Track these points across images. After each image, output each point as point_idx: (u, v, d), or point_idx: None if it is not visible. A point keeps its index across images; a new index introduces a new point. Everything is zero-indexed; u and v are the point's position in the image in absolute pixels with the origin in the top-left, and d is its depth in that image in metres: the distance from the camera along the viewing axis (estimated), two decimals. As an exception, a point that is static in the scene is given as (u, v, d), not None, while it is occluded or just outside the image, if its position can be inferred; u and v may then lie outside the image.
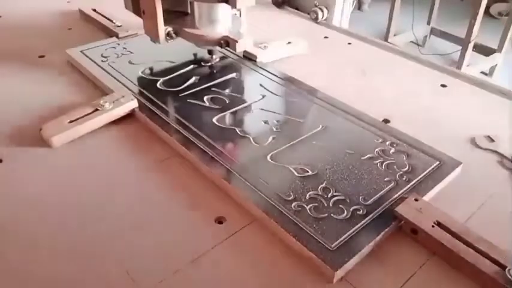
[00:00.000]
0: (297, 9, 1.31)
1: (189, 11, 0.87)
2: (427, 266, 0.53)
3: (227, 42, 0.84)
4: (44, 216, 0.58)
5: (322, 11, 1.20)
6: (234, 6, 0.77)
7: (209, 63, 0.93)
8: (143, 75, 0.89)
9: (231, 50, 0.95)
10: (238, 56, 0.97)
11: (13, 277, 0.50)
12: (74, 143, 0.72)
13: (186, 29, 0.85)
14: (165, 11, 0.82)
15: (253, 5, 0.80)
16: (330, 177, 0.64)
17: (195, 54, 0.96)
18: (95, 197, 0.62)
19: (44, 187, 0.63)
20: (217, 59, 0.93)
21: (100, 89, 0.86)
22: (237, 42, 0.81)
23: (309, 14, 1.23)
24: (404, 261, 0.54)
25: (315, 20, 1.21)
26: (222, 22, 0.86)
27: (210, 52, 0.92)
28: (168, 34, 0.85)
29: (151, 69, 0.91)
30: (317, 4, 1.21)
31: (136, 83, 0.85)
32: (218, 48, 0.86)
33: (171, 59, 0.94)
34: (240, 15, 0.93)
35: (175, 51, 0.97)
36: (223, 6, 0.83)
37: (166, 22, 0.84)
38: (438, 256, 0.54)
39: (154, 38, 0.85)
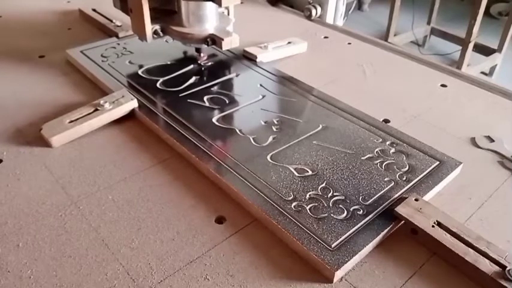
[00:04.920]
0: (291, 6, 1.31)
1: (176, 10, 0.87)
2: (427, 266, 0.53)
3: (213, 40, 0.84)
4: (44, 216, 0.58)
5: (315, 8, 1.20)
6: (219, 4, 0.77)
7: (198, 62, 0.93)
8: (143, 75, 0.89)
9: (231, 50, 0.95)
10: (238, 56, 0.97)
11: (13, 278, 0.50)
12: (74, 143, 0.72)
13: (173, 27, 0.85)
14: (153, 10, 0.82)
15: (244, 3, 0.80)
16: (330, 177, 0.64)
17: (185, 52, 0.96)
18: (95, 196, 0.62)
19: (44, 187, 0.63)
20: (206, 57, 0.93)
21: (100, 89, 0.86)
22: (223, 40, 0.82)
23: (302, 11, 1.23)
24: (404, 261, 0.54)
25: (309, 17, 1.21)
26: (208, 20, 0.86)
27: (198, 50, 0.92)
28: (155, 32, 0.85)
29: (151, 69, 0.91)
30: (311, 1, 1.22)
31: (136, 83, 0.85)
32: (205, 46, 0.87)
33: (171, 59, 0.94)
34: (228, 14, 0.93)
35: (175, 51, 0.97)
36: (209, 5, 0.84)
37: (154, 20, 0.84)
38: (438, 256, 0.54)
39: (141, 36, 0.85)
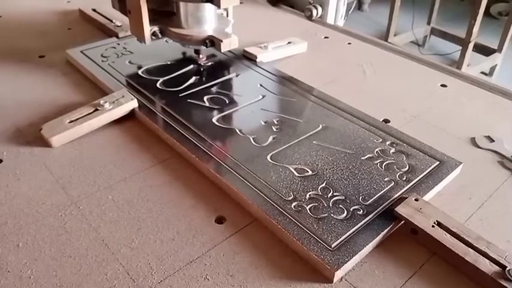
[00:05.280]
0: (291, 7, 1.31)
1: (175, 11, 0.87)
2: (427, 266, 0.53)
3: (212, 42, 0.84)
4: (44, 216, 0.58)
5: (316, 8, 1.20)
6: (218, 6, 0.77)
7: (198, 63, 0.93)
8: (143, 75, 0.89)
9: (231, 50, 0.95)
10: (238, 56, 0.97)
11: (13, 278, 0.50)
12: (74, 143, 0.72)
13: (171, 29, 0.85)
14: (151, 11, 0.82)
15: (244, 3, 0.80)
16: (330, 177, 0.64)
17: (184, 53, 0.97)
18: (95, 196, 0.62)
19: (44, 187, 0.63)
20: (205, 58, 0.93)
21: (100, 89, 0.86)
22: (221, 41, 0.82)
23: (303, 11, 1.23)
24: (404, 261, 0.54)
25: (309, 17, 1.21)
26: (207, 22, 0.86)
27: (197, 52, 0.92)
28: (153, 34, 0.85)
29: (151, 69, 0.91)
30: (311, 2, 1.22)
31: (136, 83, 0.85)
32: (203, 48, 0.87)
33: (171, 59, 0.94)
34: (227, 15, 0.93)
35: (175, 51, 0.97)
36: (208, 6, 0.84)
37: (153, 22, 0.84)
38: (438, 256, 0.54)
39: (140, 38, 0.85)
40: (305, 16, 1.22)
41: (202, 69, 0.92)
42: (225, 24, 0.89)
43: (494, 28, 2.81)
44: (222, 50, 0.83)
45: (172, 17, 0.88)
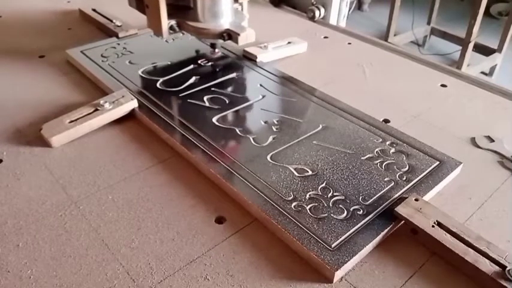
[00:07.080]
0: (294, 7, 1.31)
1: (191, 5, 0.88)
2: (427, 266, 0.53)
3: (229, 35, 0.84)
4: (44, 216, 0.58)
5: (319, 9, 1.20)
6: None
7: (211, 59, 0.93)
8: (143, 75, 0.89)
9: (231, 50, 0.95)
10: (238, 55, 0.97)
11: (13, 278, 0.50)
12: (74, 143, 0.72)
13: (189, 22, 0.86)
14: (168, 5, 0.83)
15: (251, 3, 0.80)
16: (330, 177, 0.64)
17: (197, 51, 0.97)
18: (95, 196, 0.62)
19: (43, 187, 0.63)
20: (219, 53, 0.94)
21: (100, 89, 0.86)
22: (239, 35, 0.82)
23: (305, 12, 1.23)
24: (404, 261, 0.54)
25: (312, 18, 1.21)
26: (224, 16, 0.86)
27: (213, 45, 0.92)
28: (171, 27, 0.85)
29: (151, 69, 0.91)
30: (314, 3, 1.22)
31: (136, 83, 0.85)
32: (220, 41, 0.87)
33: (171, 59, 0.94)
34: (242, 9, 0.93)
35: (175, 51, 0.97)
36: (225, 0, 0.84)
37: (170, 16, 0.84)
38: (438, 256, 0.54)
39: (158, 32, 0.85)
40: (307, 17, 1.22)
41: (202, 69, 0.92)
42: (240, 19, 0.89)
43: (494, 28, 2.81)
44: (239, 44, 0.83)
45: (188, 11, 0.88)
